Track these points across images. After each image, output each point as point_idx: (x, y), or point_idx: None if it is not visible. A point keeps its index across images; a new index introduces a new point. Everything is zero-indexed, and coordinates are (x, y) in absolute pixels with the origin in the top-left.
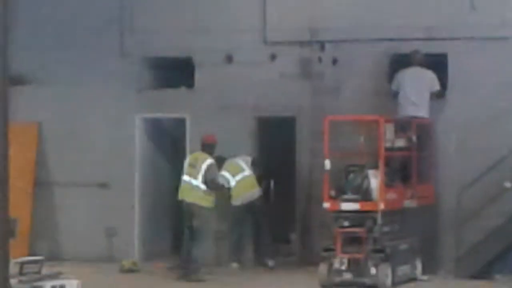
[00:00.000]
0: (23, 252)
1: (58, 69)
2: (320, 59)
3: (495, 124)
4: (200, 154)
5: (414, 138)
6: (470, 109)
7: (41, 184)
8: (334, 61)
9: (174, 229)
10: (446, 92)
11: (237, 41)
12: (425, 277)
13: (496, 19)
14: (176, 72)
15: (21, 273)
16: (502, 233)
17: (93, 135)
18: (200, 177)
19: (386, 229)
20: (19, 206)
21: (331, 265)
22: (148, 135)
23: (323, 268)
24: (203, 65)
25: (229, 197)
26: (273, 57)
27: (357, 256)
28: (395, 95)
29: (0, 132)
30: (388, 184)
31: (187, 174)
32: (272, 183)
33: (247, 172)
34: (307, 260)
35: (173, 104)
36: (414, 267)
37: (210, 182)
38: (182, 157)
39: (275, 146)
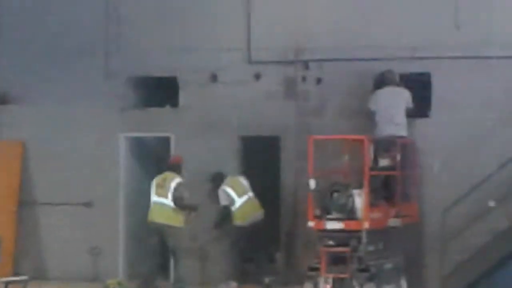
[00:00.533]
0: (7, 271)
1: (43, 88)
2: (304, 79)
3: (479, 143)
4: (169, 174)
5: (398, 157)
6: (455, 128)
7: (25, 203)
8: (318, 81)
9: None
10: (431, 111)
11: (221, 61)
12: None
13: (480, 38)
14: (161, 91)
15: None
16: (487, 252)
17: (78, 154)
18: (169, 195)
19: (371, 248)
20: (3, 225)
21: (316, 284)
22: (132, 154)
23: (308, 287)
24: (187, 85)
25: (227, 215)
26: (257, 76)
27: (342, 275)
28: (373, 114)
29: None
30: (372, 203)
31: (156, 194)
32: None
33: (251, 193)
34: (292, 279)
35: (157, 123)
36: (399, 286)
37: (179, 199)
38: None
39: (260, 165)
